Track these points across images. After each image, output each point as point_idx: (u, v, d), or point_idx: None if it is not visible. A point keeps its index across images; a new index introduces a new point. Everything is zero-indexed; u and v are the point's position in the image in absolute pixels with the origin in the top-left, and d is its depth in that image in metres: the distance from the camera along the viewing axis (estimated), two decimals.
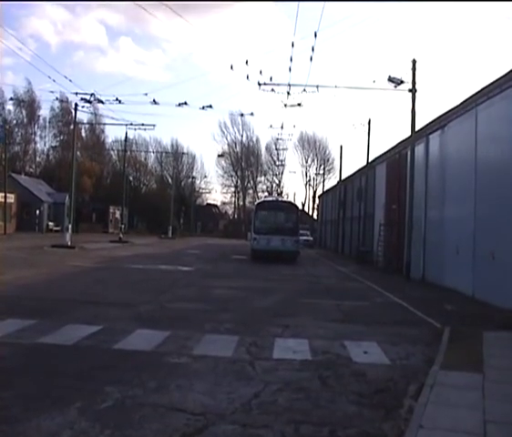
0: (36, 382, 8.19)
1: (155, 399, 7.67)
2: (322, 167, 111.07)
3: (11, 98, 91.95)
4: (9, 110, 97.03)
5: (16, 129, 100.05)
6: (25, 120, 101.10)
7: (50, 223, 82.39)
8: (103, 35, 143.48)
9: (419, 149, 29.84)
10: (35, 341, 10.66)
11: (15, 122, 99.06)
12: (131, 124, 48.51)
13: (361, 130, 48.98)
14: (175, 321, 13.48)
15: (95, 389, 7.97)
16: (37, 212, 79.91)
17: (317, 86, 30.07)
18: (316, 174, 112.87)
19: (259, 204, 45.01)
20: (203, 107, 34.31)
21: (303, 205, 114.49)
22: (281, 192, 78.28)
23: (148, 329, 12.33)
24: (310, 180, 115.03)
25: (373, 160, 44.54)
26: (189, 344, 10.97)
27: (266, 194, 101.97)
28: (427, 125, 29.65)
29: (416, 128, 29.94)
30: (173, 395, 7.90)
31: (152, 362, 9.61)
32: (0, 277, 20.50)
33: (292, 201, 50.47)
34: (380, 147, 74.35)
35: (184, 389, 8.18)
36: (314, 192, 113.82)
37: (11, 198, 72.98)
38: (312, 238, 77.29)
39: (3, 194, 68.07)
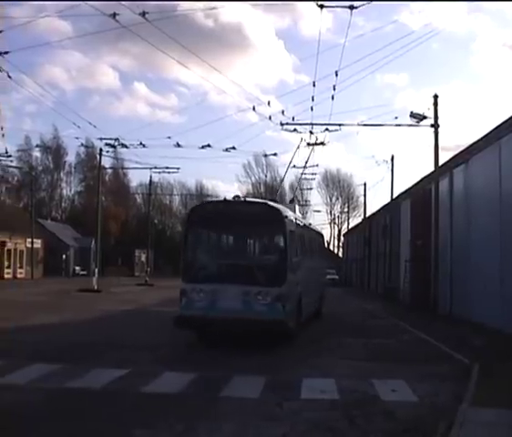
0: (64, 427, 8.21)
1: None
2: (346, 204, 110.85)
3: (37, 145, 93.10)
4: (36, 157, 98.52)
5: (43, 175, 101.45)
6: (51, 166, 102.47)
7: (77, 267, 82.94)
8: (116, 80, 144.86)
9: (443, 184, 29.75)
10: (62, 386, 10.69)
11: (41, 168, 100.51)
12: (155, 167, 48.85)
13: (384, 167, 49.04)
14: (203, 363, 13.46)
15: (123, 433, 7.99)
16: (64, 257, 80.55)
17: (339, 125, 30.08)
18: (341, 212, 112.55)
19: (194, 211, 19.13)
20: (227, 149, 34.45)
21: (328, 244, 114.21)
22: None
23: (175, 371, 12.31)
24: (334, 219, 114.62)
25: (398, 196, 44.48)
26: (216, 386, 10.93)
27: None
28: (451, 159, 29.61)
29: (440, 163, 29.91)
30: None
31: (180, 405, 9.60)
32: (27, 322, 20.68)
33: (275, 205, 18.24)
34: (404, 182, 74.17)
35: (212, 431, 8.16)
36: (339, 230, 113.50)
37: (38, 244, 73.66)
38: (337, 277, 76.90)
39: (30, 239, 68.76)
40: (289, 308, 16.25)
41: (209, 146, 33.89)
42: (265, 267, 16.78)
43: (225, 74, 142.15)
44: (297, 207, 25.37)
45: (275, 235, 17.71)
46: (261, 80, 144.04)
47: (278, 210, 17.36)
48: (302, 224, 22.21)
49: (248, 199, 20.68)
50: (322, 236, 32.70)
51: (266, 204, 18.18)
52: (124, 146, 38.43)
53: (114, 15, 19.91)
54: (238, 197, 18.12)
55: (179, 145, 34.28)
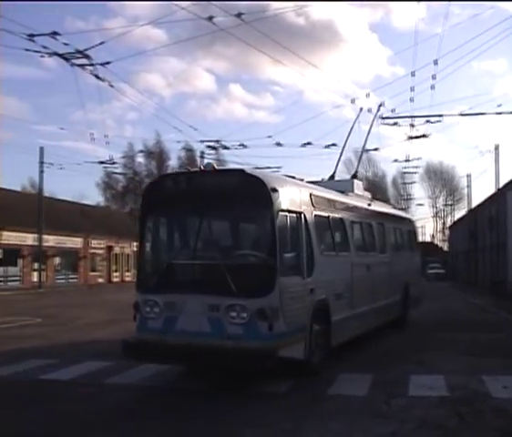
0: (174, 425, 8.49)
1: None
2: (450, 197, 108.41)
3: (140, 151, 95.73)
4: (139, 162, 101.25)
5: (146, 180, 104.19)
6: (155, 171, 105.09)
7: None
8: (212, 83, 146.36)
9: None
10: (170, 386, 11.07)
11: (145, 173, 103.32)
12: (257, 168, 49.05)
13: (488, 157, 47.75)
14: None
15: (232, 431, 8.13)
16: None
17: (441, 115, 29.38)
18: (445, 205, 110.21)
19: (148, 190, 12.88)
20: (327, 146, 34.13)
21: (433, 237, 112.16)
22: None
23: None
24: (438, 212, 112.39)
25: (504, 186, 43.21)
26: (322, 384, 10.93)
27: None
28: None
29: None
30: None
31: (287, 403, 9.66)
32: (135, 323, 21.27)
33: (257, 173, 11.42)
34: (509, 171, 71.58)
35: (320, 430, 8.18)
36: (443, 224, 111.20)
37: None
38: (443, 271, 75.33)
39: (136, 243, 70.74)
40: (283, 328, 10.44)
41: (309, 143, 33.81)
42: (242, 267, 10.84)
43: (319, 70, 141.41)
44: (358, 183, 18.53)
45: (257, 218, 11.59)
46: (356, 75, 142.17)
47: (259, 181, 10.97)
48: (344, 204, 15.22)
49: (219, 168, 13.36)
50: (409, 222, 24.16)
51: (242, 172, 11.62)
52: (225, 147, 38.80)
53: (210, 18, 20.18)
54: (209, 164, 12.19)
55: (279, 144, 34.38)
